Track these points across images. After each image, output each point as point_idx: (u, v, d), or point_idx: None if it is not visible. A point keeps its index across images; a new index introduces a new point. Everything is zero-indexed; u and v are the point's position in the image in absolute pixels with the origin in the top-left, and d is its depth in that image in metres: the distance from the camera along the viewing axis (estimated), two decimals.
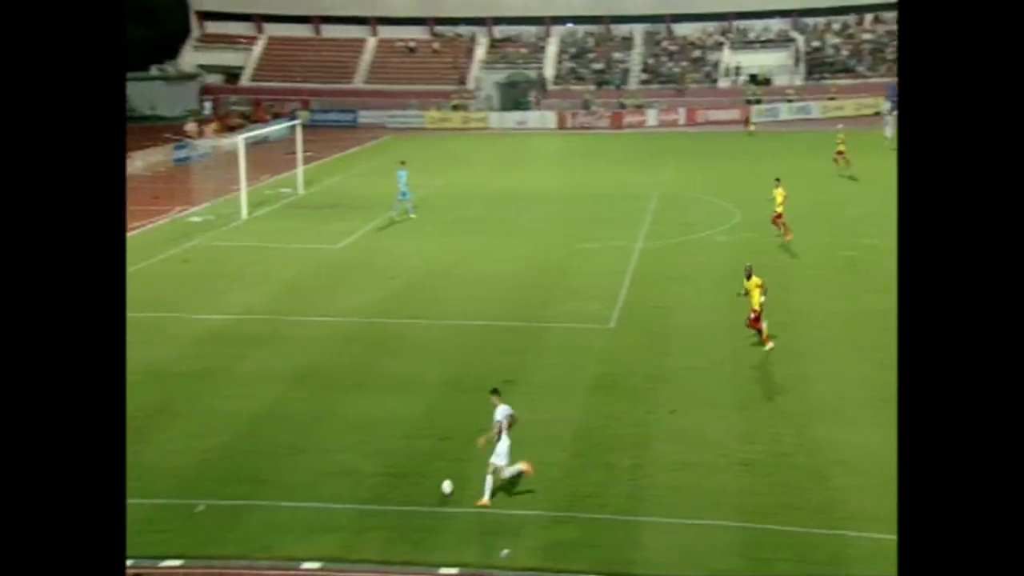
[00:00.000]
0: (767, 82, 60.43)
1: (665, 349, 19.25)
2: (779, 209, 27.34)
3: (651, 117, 57.91)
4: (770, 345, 18.63)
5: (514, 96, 61.37)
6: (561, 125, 58.36)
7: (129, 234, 29.69)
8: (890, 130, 43.24)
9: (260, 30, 67.48)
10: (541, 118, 58.89)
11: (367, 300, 22.72)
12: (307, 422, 15.64)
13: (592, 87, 61.72)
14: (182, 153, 43.88)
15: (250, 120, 54.91)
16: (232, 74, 65.72)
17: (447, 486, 13.03)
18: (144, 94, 59.27)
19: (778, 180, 27.85)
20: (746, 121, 53.56)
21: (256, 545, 11.98)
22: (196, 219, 31.91)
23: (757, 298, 18.59)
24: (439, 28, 67.01)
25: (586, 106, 59.62)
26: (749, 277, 18.84)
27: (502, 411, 13.21)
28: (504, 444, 13.13)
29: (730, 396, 16.74)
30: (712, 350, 19.03)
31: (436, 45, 66.22)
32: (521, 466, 13.26)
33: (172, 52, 65.86)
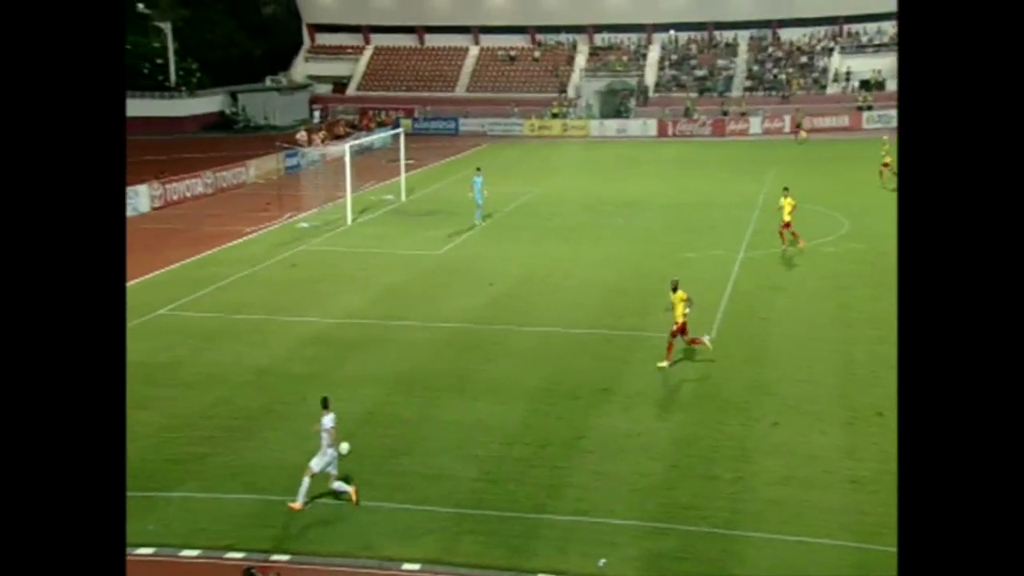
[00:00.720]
0: (880, 87, 58.49)
1: (767, 360, 18.83)
2: (787, 218, 27.37)
3: (755, 125, 56.76)
4: (664, 364, 18.22)
5: (614, 104, 61.19)
6: (662, 133, 57.83)
7: (243, 239, 30.88)
8: None
9: (367, 40, 69.26)
10: (642, 126, 58.50)
11: (466, 305, 22.99)
12: (407, 426, 15.93)
13: (694, 94, 60.94)
14: (292, 161, 45.34)
15: (356, 128, 56.37)
16: (340, 83, 67.65)
17: (344, 447, 13.27)
18: (258, 104, 61.59)
19: (786, 189, 27.87)
20: (797, 129, 52.42)
21: (358, 544, 12.26)
22: (304, 224, 32.89)
23: (680, 312, 18.29)
24: (540, 36, 67.37)
25: (687, 113, 58.89)
26: (675, 291, 18.52)
27: (330, 419, 13.15)
28: (329, 453, 13.06)
29: (835, 410, 16.24)
30: (816, 362, 18.51)
31: (537, 53, 66.58)
32: (349, 489, 13.09)
33: (285, 64, 68.29)
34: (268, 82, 65.32)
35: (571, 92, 63.53)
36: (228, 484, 13.78)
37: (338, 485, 13.19)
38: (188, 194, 37.98)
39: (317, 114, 63.09)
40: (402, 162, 38.74)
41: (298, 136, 49.97)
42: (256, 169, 42.74)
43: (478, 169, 33.47)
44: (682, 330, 18.43)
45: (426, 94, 64.84)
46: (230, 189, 40.28)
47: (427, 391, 17.45)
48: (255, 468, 14.29)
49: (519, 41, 67.43)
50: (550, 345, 19.95)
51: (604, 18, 65.69)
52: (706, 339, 18.72)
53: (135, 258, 28.19)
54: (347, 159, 33.59)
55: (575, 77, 64.43)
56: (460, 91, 65.71)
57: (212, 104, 61.53)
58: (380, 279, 25.81)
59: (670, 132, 57.69)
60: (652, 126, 58.24)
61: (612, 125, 58.95)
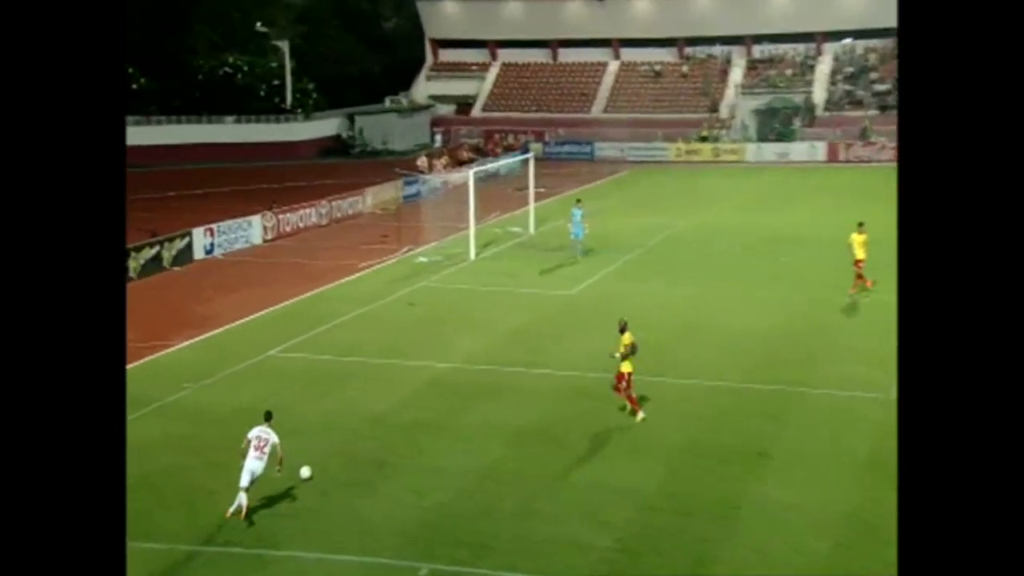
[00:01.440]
0: None
1: None
2: (859, 255, 27.04)
3: None
4: (641, 415, 18.56)
5: (775, 124, 60.43)
6: (832, 158, 56.64)
7: (358, 274, 32.09)
8: None
9: (494, 56, 71.01)
10: (808, 150, 57.47)
11: (601, 351, 23.05)
12: (532, 485, 16.09)
13: (873, 112, 59.43)
14: (412, 189, 46.84)
15: (481, 153, 57.76)
16: (464, 104, 69.56)
17: (305, 472, 15.59)
18: (377, 127, 64.11)
19: (861, 224, 27.29)
20: None
21: None
22: (423, 259, 33.86)
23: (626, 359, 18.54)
24: (689, 49, 67.34)
25: (864, 135, 57.47)
26: (623, 332, 18.67)
27: (256, 431, 15.21)
28: (253, 464, 14.97)
29: None
30: None
31: (685, 68, 66.60)
32: (243, 504, 14.85)
33: (406, 82, 70.87)
34: (387, 103, 67.86)
35: (724, 112, 63.15)
36: (340, 542, 14.27)
37: (241, 498, 14.94)
38: (301, 225, 39.79)
39: (439, 137, 65.04)
40: (531, 191, 39.37)
41: (418, 162, 51.59)
42: (373, 198, 44.38)
43: (578, 201, 33.99)
44: (624, 380, 18.63)
45: (559, 115, 65.79)
46: (345, 219, 41.91)
47: (556, 447, 17.60)
48: (369, 526, 14.75)
49: (665, 55, 67.62)
50: (695, 400, 19.79)
51: (765, 27, 65.00)
52: (641, 414, 18.63)
53: (246, 294, 29.72)
54: (471, 187, 34.44)
55: (729, 94, 64.02)
56: (597, 111, 66.36)
57: (328, 127, 64.44)
58: (506, 320, 26.26)
59: (842, 157, 56.42)
60: (821, 150, 57.12)
61: (772, 149, 58.15)
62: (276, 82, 64.27)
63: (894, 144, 56.13)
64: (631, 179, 53.60)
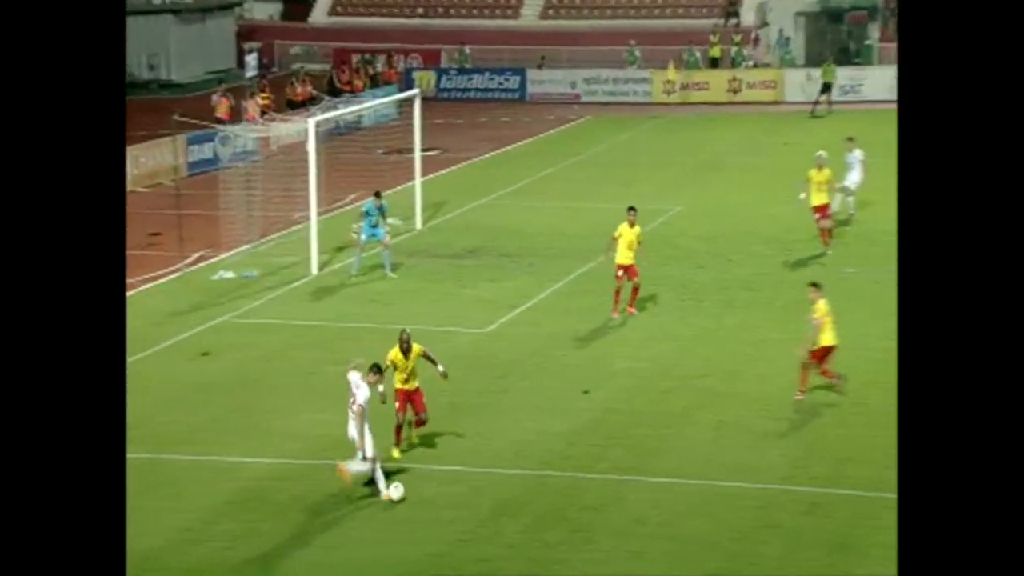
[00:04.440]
0: None
1: None
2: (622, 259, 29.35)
3: None
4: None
5: (836, 36, 61.61)
6: None
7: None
8: None
9: None
10: (891, 80, 58.62)
11: (537, 433, 23.35)
12: None
13: None
14: (204, 151, 46.58)
15: (329, 89, 57.65)
16: (296, 2, 69.48)
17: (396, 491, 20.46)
18: (142, 42, 63.32)
19: (632, 210, 29.77)
20: None
21: None
22: (227, 274, 33.94)
23: None
24: None
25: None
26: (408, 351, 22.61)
27: (354, 377, 20.90)
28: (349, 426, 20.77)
29: None
30: None
31: None
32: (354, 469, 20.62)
33: None
34: None
35: (747, 16, 64.25)
36: None
37: (360, 467, 20.70)
38: None
39: (252, 60, 64.46)
40: (416, 155, 39.55)
41: (215, 101, 51.29)
42: (134, 166, 44.06)
43: (377, 195, 34.31)
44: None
45: (465, 23, 66.18)
46: None
47: None
48: None
49: None
50: (702, 512, 20.15)
51: None
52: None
53: None
54: (311, 148, 34.49)
55: None
56: (531, 17, 66.94)
57: None
58: None
59: None
60: None
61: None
62: None
63: None
64: (588, 133, 54.11)
